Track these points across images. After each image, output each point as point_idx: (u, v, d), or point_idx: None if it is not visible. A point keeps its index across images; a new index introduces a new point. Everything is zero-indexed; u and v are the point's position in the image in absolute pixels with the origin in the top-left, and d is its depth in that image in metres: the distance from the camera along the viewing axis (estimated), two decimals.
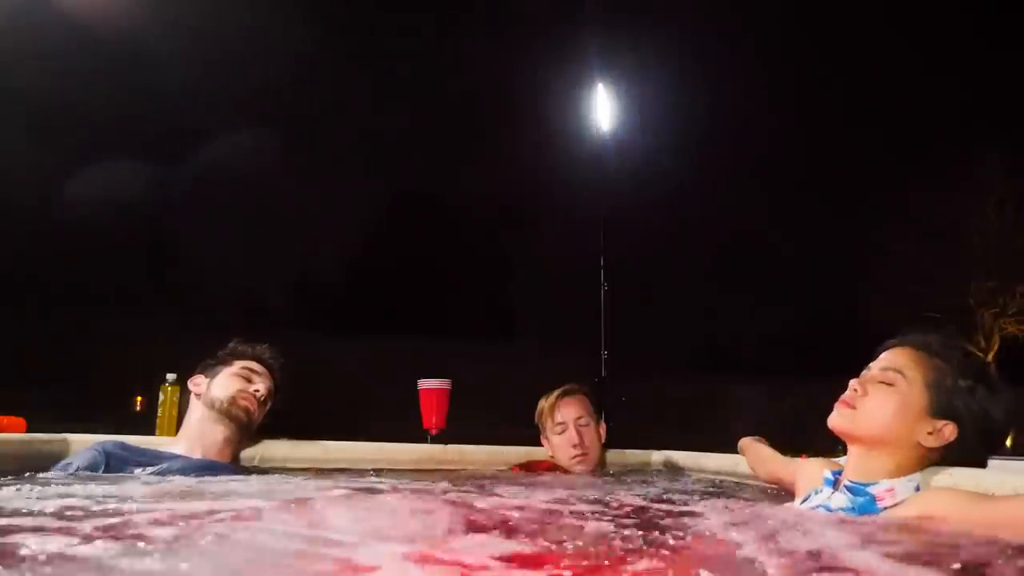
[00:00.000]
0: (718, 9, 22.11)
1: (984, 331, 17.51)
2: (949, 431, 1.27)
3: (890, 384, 1.31)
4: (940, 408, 1.28)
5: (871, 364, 1.39)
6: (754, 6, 22.39)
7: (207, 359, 2.09)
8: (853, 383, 1.36)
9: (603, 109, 3.88)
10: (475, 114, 22.90)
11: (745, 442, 2.08)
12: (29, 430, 2.16)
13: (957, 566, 0.85)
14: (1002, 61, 20.35)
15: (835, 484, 1.36)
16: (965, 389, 1.28)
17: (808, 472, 1.58)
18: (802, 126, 21.97)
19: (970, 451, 1.29)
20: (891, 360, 1.35)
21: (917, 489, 1.26)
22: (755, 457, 2.00)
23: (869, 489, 1.28)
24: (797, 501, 1.48)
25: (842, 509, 1.29)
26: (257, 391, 2.01)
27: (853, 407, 1.33)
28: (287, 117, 22.25)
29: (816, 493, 1.39)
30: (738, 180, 22.02)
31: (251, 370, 2.04)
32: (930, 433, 1.27)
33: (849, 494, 1.30)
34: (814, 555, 0.89)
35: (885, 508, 1.24)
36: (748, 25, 22.79)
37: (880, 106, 22.40)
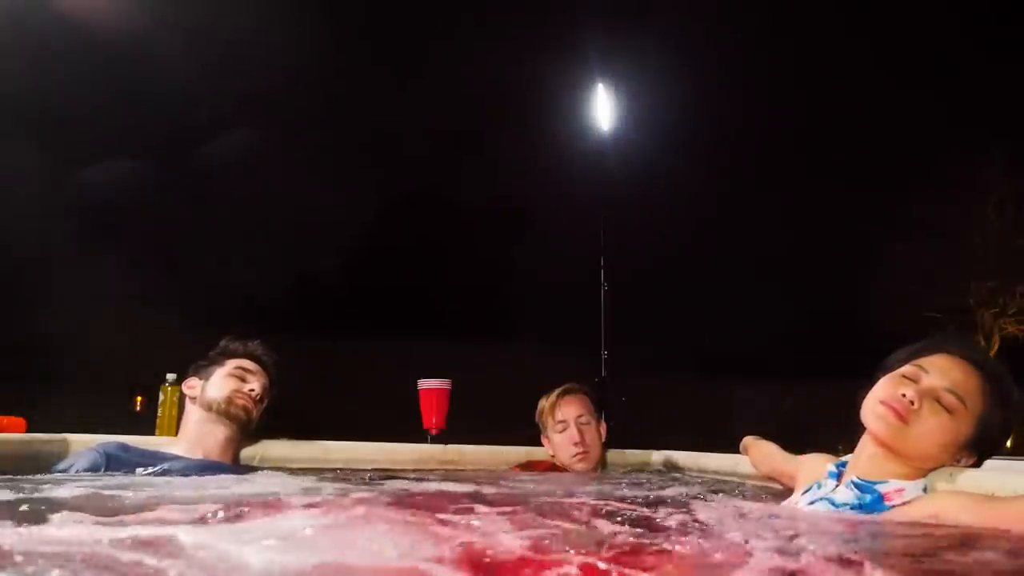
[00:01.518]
0: (721, 8, 22.14)
1: (984, 331, 17.51)
2: (969, 461, 1.29)
3: (950, 411, 1.24)
4: (975, 442, 1.28)
5: (924, 365, 1.30)
6: (756, 7, 22.42)
7: (199, 360, 2.07)
8: (909, 393, 1.25)
9: (603, 109, 3.88)
10: (475, 113, 22.91)
11: (748, 440, 2.08)
12: (29, 430, 2.15)
13: (966, 565, 0.85)
14: (1002, 61, 20.36)
15: (839, 477, 1.36)
16: (1001, 427, 1.29)
17: (809, 466, 1.58)
18: (803, 126, 21.98)
19: (973, 467, 1.31)
20: (956, 380, 1.26)
21: (925, 490, 1.27)
22: (758, 453, 2.00)
23: (877, 487, 1.27)
24: (797, 493, 1.48)
25: (847, 504, 1.29)
26: (252, 390, 2.00)
27: (906, 421, 1.24)
28: (286, 116, 22.26)
29: (818, 486, 1.39)
30: (739, 180, 22.03)
31: (244, 369, 2.03)
32: (957, 460, 1.29)
33: (856, 490, 1.29)
34: (821, 554, 0.89)
35: (893, 506, 1.24)
36: (750, 24, 22.81)
37: (881, 106, 22.42)
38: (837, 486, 1.34)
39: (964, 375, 1.27)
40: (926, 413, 1.24)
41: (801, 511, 1.37)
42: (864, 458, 1.33)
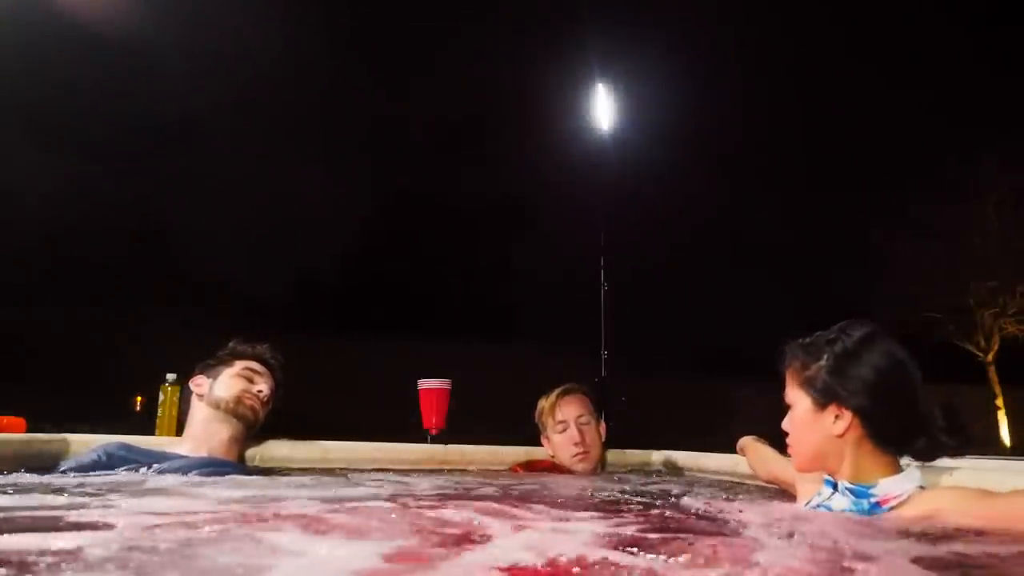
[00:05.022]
0: (721, 7, 22.13)
1: (984, 331, 17.50)
2: (838, 410, 1.29)
3: (791, 408, 1.38)
4: (821, 399, 1.31)
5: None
6: (756, 9, 22.41)
7: (207, 359, 2.08)
8: (784, 426, 1.42)
9: (603, 109, 3.89)
10: (476, 113, 22.90)
11: (746, 442, 2.07)
12: (29, 430, 2.15)
13: (970, 564, 0.85)
14: (1002, 61, 20.35)
15: (834, 486, 1.36)
16: (827, 368, 1.30)
17: (808, 475, 1.58)
18: (803, 126, 21.98)
19: (883, 409, 1.27)
20: (788, 383, 1.40)
21: (921, 488, 1.26)
22: (756, 457, 2.00)
23: (872, 491, 1.27)
24: (801, 504, 1.48)
25: (845, 511, 1.29)
26: (260, 391, 2.01)
27: (791, 447, 1.41)
28: (286, 115, 22.26)
29: (819, 495, 1.39)
30: (738, 180, 22.03)
31: (252, 370, 2.04)
32: (834, 422, 1.29)
33: (851, 496, 1.29)
34: (824, 554, 0.89)
35: (892, 508, 1.24)
36: (751, 24, 22.80)
37: (881, 106, 22.41)
38: (833, 493, 1.34)
39: (789, 376, 1.40)
40: (792, 431, 1.39)
41: (800, 512, 1.37)
42: (848, 469, 1.33)
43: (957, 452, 1.30)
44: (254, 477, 1.84)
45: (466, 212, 22.47)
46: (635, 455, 2.73)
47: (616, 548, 0.92)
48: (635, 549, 0.91)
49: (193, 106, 19.48)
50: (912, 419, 1.28)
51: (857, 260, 18.02)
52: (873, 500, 1.26)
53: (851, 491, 1.29)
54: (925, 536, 1.07)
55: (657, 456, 2.75)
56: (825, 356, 1.32)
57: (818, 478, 1.44)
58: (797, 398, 1.36)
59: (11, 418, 2.18)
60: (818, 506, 1.36)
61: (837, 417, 1.29)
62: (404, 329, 17.60)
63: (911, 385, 1.29)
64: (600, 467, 2.53)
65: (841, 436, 1.28)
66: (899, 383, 1.28)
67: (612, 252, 3.53)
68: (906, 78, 21.81)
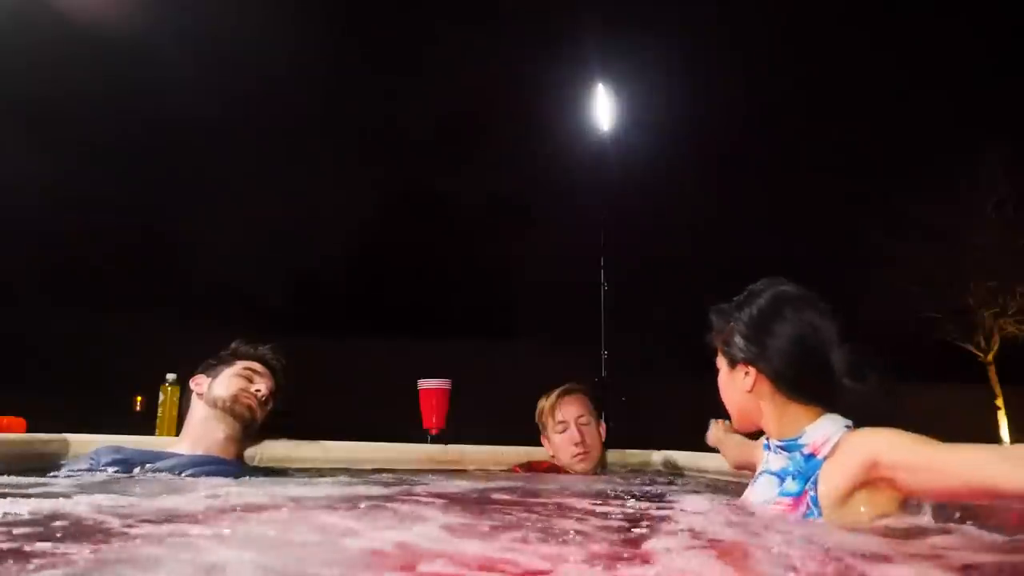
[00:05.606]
0: (721, 10, 22.15)
1: (984, 331, 17.47)
2: (746, 368, 1.35)
3: (719, 371, 1.45)
4: (732, 359, 1.38)
5: None
6: (755, 10, 22.42)
7: (209, 359, 2.08)
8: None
9: (604, 109, 3.88)
10: (476, 113, 22.90)
11: (718, 437, 2.05)
12: (29, 430, 2.16)
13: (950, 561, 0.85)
14: (1000, 60, 20.35)
15: (769, 447, 1.39)
16: (737, 331, 1.36)
17: (759, 449, 1.59)
18: (802, 127, 21.98)
19: (789, 368, 1.30)
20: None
21: (848, 427, 1.25)
22: (724, 448, 2.01)
23: (799, 441, 1.28)
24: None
25: (785, 470, 1.30)
26: (259, 391, 2.01)
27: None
28: (287, 115, 22.27)
29: (763, 462, 1.42)
30: (739, 179, 22.03)
31: (253, 370, 2.03)
32: (744, 378, 1.35)
33: (784, 452, 1.31)
34: (827, 551, 0.89)
35: (825, 458, 1.23)
36: (749, 27, 22.82)
37: (880, 107, 22.42)
38: (768, 454, 1.38)
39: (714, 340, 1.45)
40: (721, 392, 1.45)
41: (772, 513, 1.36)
42: (771, 424, 1.36)
43: (878, 404, 1.28)
44: (246, 475, 1.84)
45: (466, 212, 22.49)
46: (635, 455, 2.73)
47: (610, 547, 0.92)
48: (629, 549, 0.91)
49: (195, 107, 19.48)
50: (821, 372, 1.29)
51: (857, 260, 18.01)
52: (806, 452, 1.26)
53: (782, 447, 1.32)
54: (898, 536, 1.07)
55: (657, 456, 2.75)
56: (733, 320, 1.39)
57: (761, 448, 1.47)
58: (720, 361, 1.44)
59: (11, 418, 2.18)
60: (761, 473, 1.38)
61: (746, 373, 1.35)
62: (404, 329, 17.60)
63: (820, 343, 1.31)
64: (600, 467, 2.52)
65: (751, 391, 1.35)
66: (808, 344, 1.31)
67: (612, 252, 3.52)
68: (908, 78, 21.82)
